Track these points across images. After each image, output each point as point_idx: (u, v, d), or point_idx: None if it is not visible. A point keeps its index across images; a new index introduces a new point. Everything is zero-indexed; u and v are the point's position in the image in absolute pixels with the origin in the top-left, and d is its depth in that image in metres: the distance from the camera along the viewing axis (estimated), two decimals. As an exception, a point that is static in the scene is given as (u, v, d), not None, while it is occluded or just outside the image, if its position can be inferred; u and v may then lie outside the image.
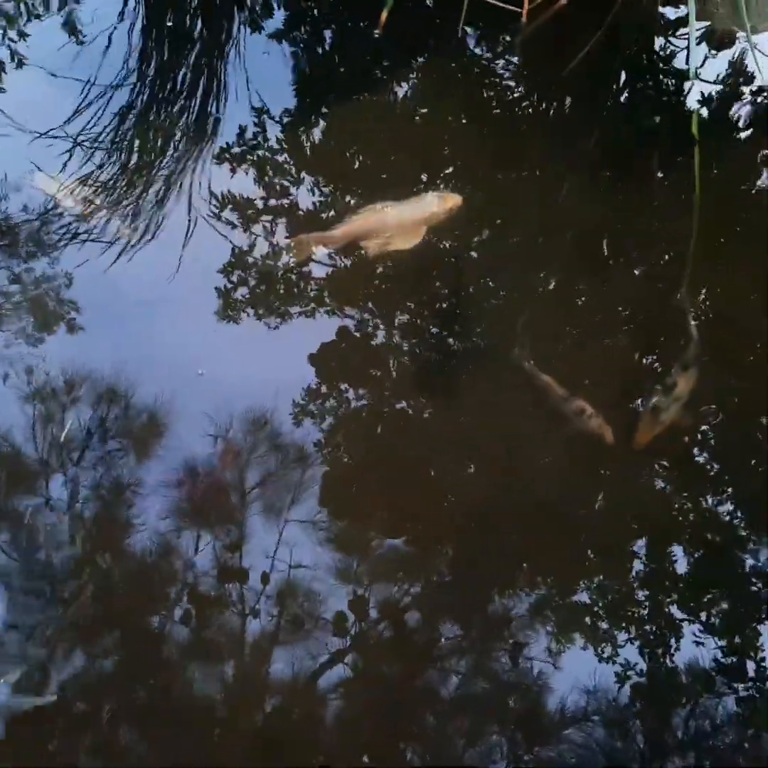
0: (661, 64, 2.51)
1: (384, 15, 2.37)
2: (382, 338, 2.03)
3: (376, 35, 2.46)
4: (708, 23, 2.53)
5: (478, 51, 2.55)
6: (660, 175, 2.25)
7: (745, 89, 2.45)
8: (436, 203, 2.07)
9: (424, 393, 1.96)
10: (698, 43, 2.49)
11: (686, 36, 2.48)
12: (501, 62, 2.52)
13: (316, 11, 2.63)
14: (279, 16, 2.61)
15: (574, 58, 2.36)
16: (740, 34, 2.43)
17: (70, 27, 2.49)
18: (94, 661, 1.64)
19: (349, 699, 1.66)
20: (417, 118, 2.40)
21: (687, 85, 2.13)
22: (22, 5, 2.54)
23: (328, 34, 2.60)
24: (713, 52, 2.52)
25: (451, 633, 1.73)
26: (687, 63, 2.35)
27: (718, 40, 2.50)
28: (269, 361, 1.97)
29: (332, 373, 1.98)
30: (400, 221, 2.02)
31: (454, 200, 2.08)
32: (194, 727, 1.62)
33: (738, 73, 2.47)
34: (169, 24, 2.55)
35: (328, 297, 2.08)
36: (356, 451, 1.91)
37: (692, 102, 2.10)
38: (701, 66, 2.46)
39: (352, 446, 1.91)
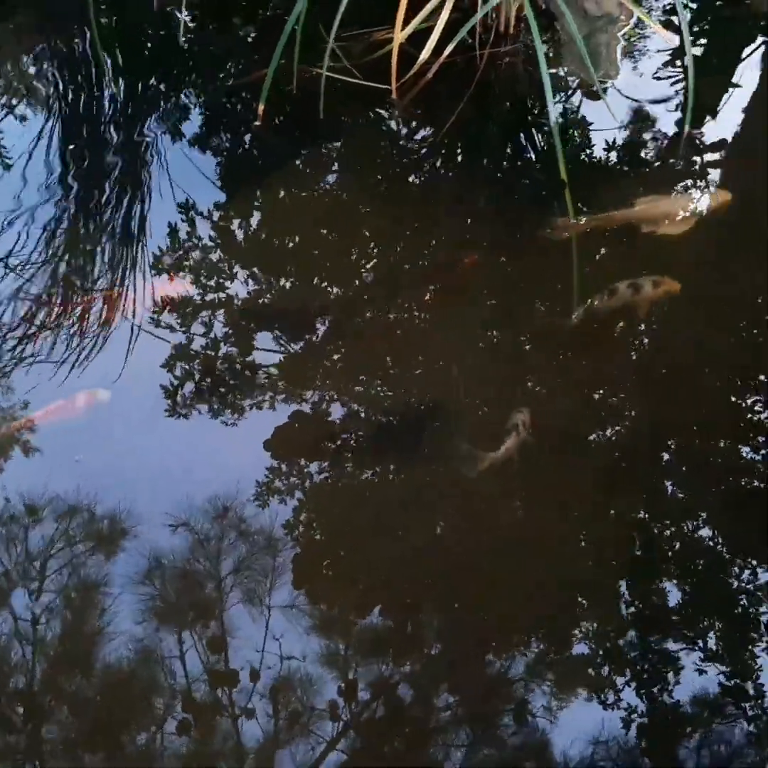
0: (530, 118, 2.68)
1: (261, 107, 2.47)
2: (338, 412, 2.04)
3: (256, 125, 2.55)
4: (563, 74, 2.73)
5: (359, 132, 2.67)
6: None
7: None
8: (706, 198, 2.34)
9: (386, 459, 1.96)
10: (568, 97, 2.71)
11: (562, 88, 2.69)
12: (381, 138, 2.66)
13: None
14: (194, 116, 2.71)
15: (451, 122, 2.51)
16: (593, 84, 2.61)
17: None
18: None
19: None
20: (332, 196, 2.50)
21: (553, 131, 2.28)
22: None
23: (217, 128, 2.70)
24: (576, 103, 2.71)
25: (447, 703, 1.67)
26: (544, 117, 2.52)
27: (586, 92, 2.70)
28: (226, 452, 1.96)
29: (289, 454, 1.97)
30: (671, 211, 2.31)
31: (724, 197, 2.34)
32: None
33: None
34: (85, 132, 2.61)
35: (277, 380, 2.09)
36: (323, 528, 1.88)
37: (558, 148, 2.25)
38: (562, 115, 2.66)
39: (319, 523, 1.88)
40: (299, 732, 1.62)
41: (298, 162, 2.55)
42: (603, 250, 2.32)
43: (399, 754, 1.64)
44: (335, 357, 2.13)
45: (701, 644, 1.74)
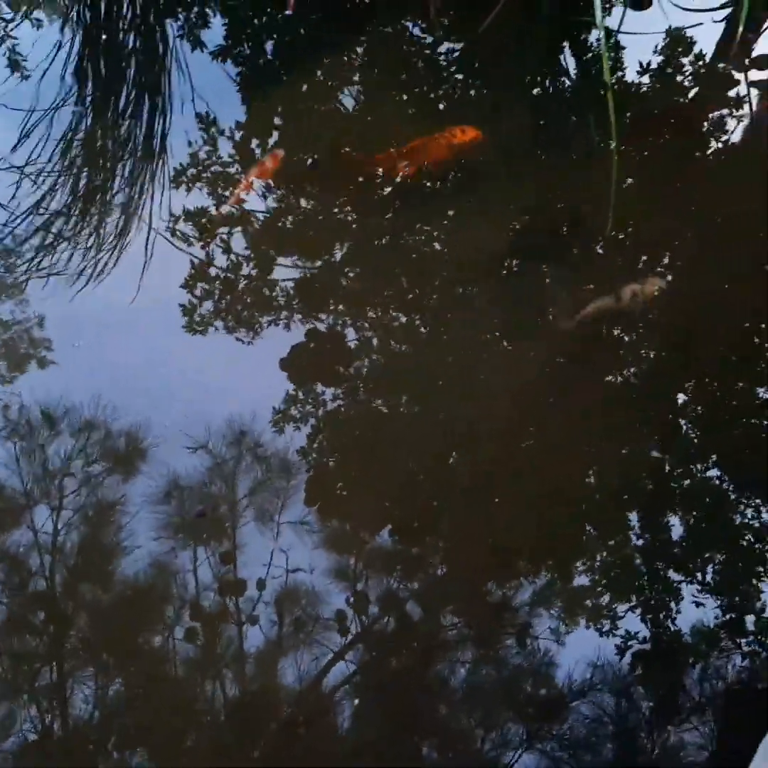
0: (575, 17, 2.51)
1: None
2: (353, 336, 2.03)
3: (288, 14, 2.47)
4: None
5: (395, 25, 2.55)
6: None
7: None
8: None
9: (400, 387, 1.96)
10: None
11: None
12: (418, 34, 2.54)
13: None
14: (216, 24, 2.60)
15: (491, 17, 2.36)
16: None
17: (9, 60, 2.46)
18: (96, 685, 1.63)
19: (357, 696, 1.65)
20: (360, 96, 2.41)
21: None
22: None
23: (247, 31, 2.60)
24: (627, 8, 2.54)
25: (453, 622, 1.73)
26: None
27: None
28: (243, 371, 1.97)
29: (305, 377, 1.97)
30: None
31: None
32: (204, 743, 1.61)
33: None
34: (104, 41, 2.53)
35: (295, 301, 2.08)
36: (338, 450, 1.90)
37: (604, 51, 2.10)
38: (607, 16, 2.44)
39: (333, 446, 1.91)
40: (304, 640, 1.69)
41: (327, 60, 2.44)
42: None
43: (406, 667, 1.71)
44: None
45: (701, 577, 1.77)
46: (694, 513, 1.87)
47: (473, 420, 1.91)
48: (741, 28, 2.31)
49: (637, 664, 1.68)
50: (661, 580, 1.78)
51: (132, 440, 1.85)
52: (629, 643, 1.69)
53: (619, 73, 2.45)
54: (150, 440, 1.85)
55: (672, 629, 1.72)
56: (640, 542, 1.82)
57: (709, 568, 1.79)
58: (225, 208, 2.18)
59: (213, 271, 2.12)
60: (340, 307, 2.07)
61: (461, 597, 1.75)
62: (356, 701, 1.64)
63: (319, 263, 2.13)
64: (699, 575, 1.77)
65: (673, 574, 1.78)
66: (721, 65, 2.42)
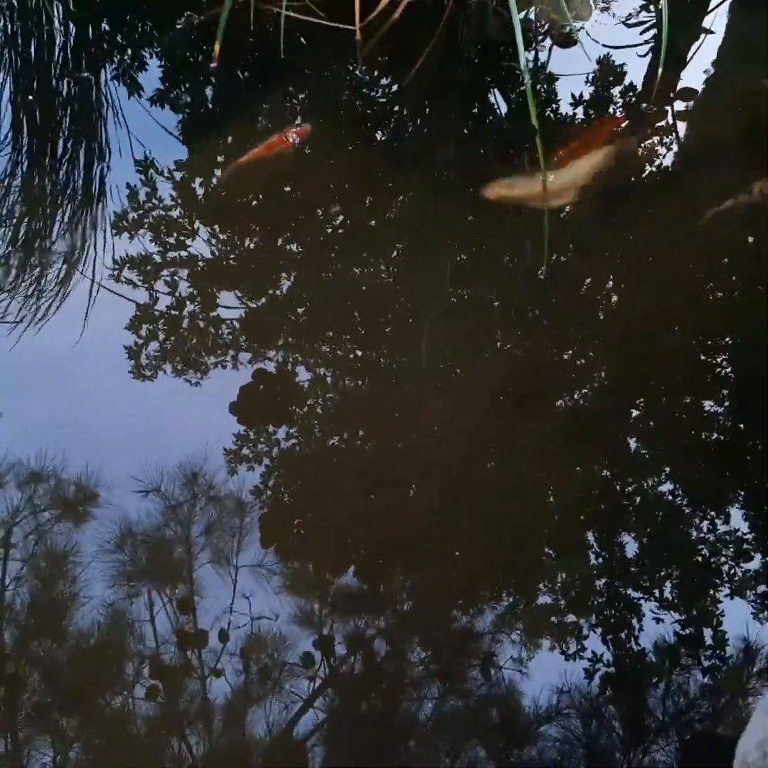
0: (501, 62, 2.61)
1: (216, 47, 2.38)
2: (304, 372, 2.02)
3: (213, 67, 2.48)
4: (534, 17, 2.66)
5: (321, 73, 2.60)
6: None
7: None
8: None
9: (355, 421, 1.96)
10: (540, 40, 2.63)
11: (533, 32, 2.62)
12: (345, 82, 2.59)
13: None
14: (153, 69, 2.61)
15: (417, 66, 2.44)
16: (565, 24, 2.55)
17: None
18: (55, 753, 1.56)
19: (328, 740, 1.62)
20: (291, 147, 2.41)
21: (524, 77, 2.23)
22: None
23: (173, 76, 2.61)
24: (547, 47, 2.65)
25: (420, 658, 1.71)
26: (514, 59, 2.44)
27: (557, 37, 2.63)
28: (193, 413, 1.94)
29: (256, 419, 1.96)
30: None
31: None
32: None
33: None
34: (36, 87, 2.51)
35: (242, 338, 2.07)
36: (293, 488, 1.89)
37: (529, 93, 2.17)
38: (534, 60, 2.58)
39: (288, 484, 1.89)
40: (272, 688, 1.65)
41: (260, 109, 2.47)
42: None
43: (375, 706, 1.68)
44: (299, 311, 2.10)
45: (658, 594, 1.79)
46: (648, 529, 1.89)
47: (429, 450, 1.92)
48: (661, 69, 2.42)
49: (603, 686, 1.68)
50: (621, 599, 1.79)
51: (82, 488, 1.81)
52: (596, 665, 1.70)
53: (553, 105, 2.54)
54: (100, 487, 1.80)
55: (635, 648, 1.73)
56: (599, 561, 1.83)
57: (667, 584, 1.81)
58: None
59: (157, 312, 2.10)
60: (290, 339, 2.07)
61: (426, 630, 1.74)
62: (326, 747, 1.61)
63: (263, 300, 2.13)
64: (656, 592, 1.79)
65: (632, 592, 1.80)
66: (644, 105, 2.52)
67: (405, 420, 1.96)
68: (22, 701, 1.62)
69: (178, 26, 2.65)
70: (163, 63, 2.61)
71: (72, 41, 2.64)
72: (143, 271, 2.16)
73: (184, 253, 2.20)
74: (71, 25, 2.66)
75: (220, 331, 2.08)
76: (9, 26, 2.65)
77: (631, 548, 1.83)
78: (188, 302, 2.13)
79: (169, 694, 1.63)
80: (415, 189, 2.33)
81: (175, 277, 2.15)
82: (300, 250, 2.21)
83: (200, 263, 2.18)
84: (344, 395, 2.01)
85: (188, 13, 2.66)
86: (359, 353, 2.06)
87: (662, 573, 1.83)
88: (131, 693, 1.62)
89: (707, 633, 1.74)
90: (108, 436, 1.86)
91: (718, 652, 1.71)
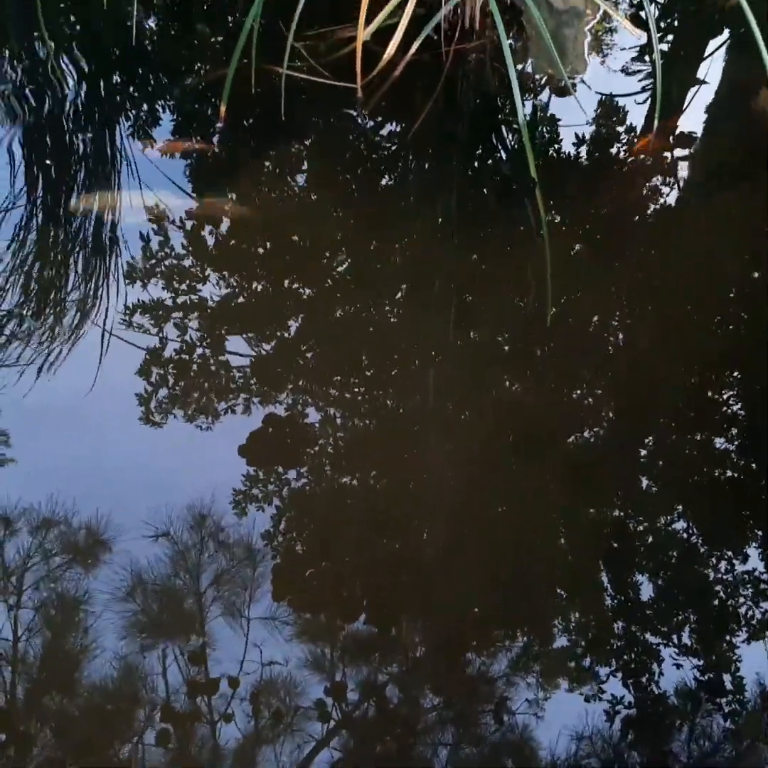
0: (499, 115, 2.69)
1: (222, 108, 2.46)
2: (314, 414, 2.03)
3: (219, 127, 2.57)
4: (531, 70, 2.73)
5: (325, 126, 2.67)
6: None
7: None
8: None
9: (362, 463, 1.96)
10: (537, 93, 2.70)
11: (530, 84, 2.69)
12: (348, 137, 2.65)
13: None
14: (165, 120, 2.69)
15: (419, 121, 2.52)
16: (560, 79, 2.62)
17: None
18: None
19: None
20: (297, 198, 2.49)
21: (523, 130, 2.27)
22: None
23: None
24: (545, 99, 2.72)
25: (433, 703, 1.68)
26: (514, 113, 2.50)
27: (554, 87, 2.70)
28: (203, 458, 1.94)
29: (265, 461, 1.96)
30: None
31: None
32: None
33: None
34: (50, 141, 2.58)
35: (253, 382, 2.08)
36: (304, 533, 1.87)
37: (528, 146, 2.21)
38: (531, 111, 2.66)
39: (299, 528, 1.88)
40: (284, 731, 1.62)
41: (266, 164, 2.53)
42: (577, 247, 2.33)
43: (388, 752, 1.64)
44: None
45: (677, 638, 1.76)
46: (663, 571, 1.87)
47: (438, 491, 1.91)
48: (657, 118, 2.48)
49: (625, 730, 1.64)
50: (638, 642, 1.76)
51: (92, 533, 1.80)
52: (616, 707, 1.66)
53: (555, 146, 2.59)
54: (110, 532, 1.80)
55: (656, 691, 1.70)
56: (614, 602, 1.81)
57: (686, 628, 1.78)
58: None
59: (167, 358, 2.11)
60: (300, 382, 2.08)
61: (438, 674, 1.71)
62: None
63: (274, 343, 2.15)
64: (674, 636, 1.76)
65: (648, 635, 1.77)
66: (641, 156, 2.58)
67: (413, 461, 1.96)
68: (31, 757, 1.59)
69: (186, 83, 2.74)
70: (174, 117, 2.69)
71: (84, 97, 2.72)
72: (154, 316, 2.19)
73: (194, 298, 2.24)
74: (83, 82, 2.75)
75: (231, 375, 2.09)
76: (23, 83, 2.74)
77: (646, 590, 1.81)
78: (198, 346, 2.15)
79: (180, 739, 1.60)
80: (418, 235, 2.37)
81: (186, 322, 2.18)
82: (307, 295, 2.24)
83: (210, 308, 2.21)
84: (353, 437, 2.02)
85: (196, 72, 2.75)
86: (366, 395, 2.07)
87: (679, 616, 1.80)
88: (141, 739, 1.60)
89: (726, 676, 1.70)
90: (118, 481, 1.86)
91: (737, 696, 1.68)
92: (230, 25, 2.94)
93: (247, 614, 1.73)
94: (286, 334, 2.16)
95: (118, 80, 2.83)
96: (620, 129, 2.65)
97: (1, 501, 1.83)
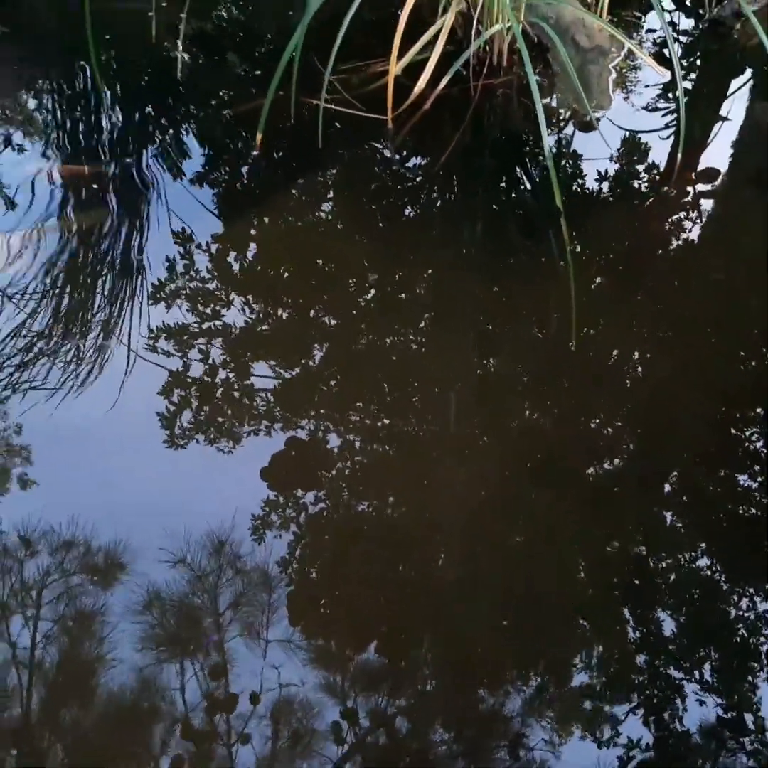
0: (524, 148, 2.72)
1: (259, 136, 2.51)
2: (335, 440, 2.03)
3: (254, 155, 2.62)
4: (556, 106, 2.77)
5: (354, 161, 2.71)
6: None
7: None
8: None
9: (382, 490, 1.95)
10: (561, 127, 2.74)
11: (555, 119, 2.73)
12: (377, 168, 2.70)
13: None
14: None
15: (447, 153, 2.57)
16: (585, 114, 2.65)
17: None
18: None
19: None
20: (324, 226, 2.53)
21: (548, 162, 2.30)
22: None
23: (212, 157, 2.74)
24: (569, 133, 2.75)
25: (444, 737, 1.66)
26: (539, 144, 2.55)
27: (579, 122, 2.74)
28: (225, 482, 1.95)
29: (286, 485, 1.96)
30: None
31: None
32: None
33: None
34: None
35: (276, 407, 2.09)
36: (320, 560, 1.87)
37: (553, 176, 2.26)
38: (556, 145, 2.70)
39: (315, 555, 1.88)
40: (301, 753, 1.61)
41: (295, 192, 2.57)
42: (599, 279, 2.33)
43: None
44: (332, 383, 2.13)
45: (699, 675, 1.73)
46: (685, 608, 1.84)
47: (457, 521, 1.90)
48: (680, 154, 2.50)
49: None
50: (662, 678, 1.73)
51: (111, 556, 1.81)
52: (631, 752, 1.63)
53: (579, 180, 2.62)
54: (129, 555, 1.80)
55: (679, 729, 1.66)
56: (635, 638, 1.78)
57: (707, 665, 1.75)
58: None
59: (191, 381, 2.13)
60: (322, 410, 2.09)
61: (451, 709, 1.69)
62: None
63: (297, 369, 2.17)
64: (696, 673, 1.74)
65: (673, 672, 1.74)
66: (665, 188, 2.59)
67: (432, 489, 1.95)
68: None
69: (221, 114, 2.80)
70: (204, 149, 2.74)
71: (119, 123, 2.79)
72: (179, 340, 2.21)
73: (218, 323, 2.26)
74: (117, 108, 2.82)
75: (253, 399, 2.11)
76: (57, 107, 2.81)
77: (669, 626, 1.78)
78: (221, 370, 2.16)
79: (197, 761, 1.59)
80: (443, 265, 2.39)
81: (210, 347, 2.20)
82: (331, 321, 2.26)
83: (234, 333, 2.23)
84: (372, 462, 2.02)
85: (226, 103, 2.81)
86: (387, 421, 2.08)
87: (700, 653, 1.77)
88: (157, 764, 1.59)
89: (748, 717, 1.67)
90: (139, 503, 1.87)
91: (760, 736, 1.64)
92: (264, 57, 3.01)
93: (265, 637, 1.73)
94: (310, 362, 2.18)
95: (154, 111, 2.90)
96: (643, 165, 2.67)
97: (22, 521, 1.85)
